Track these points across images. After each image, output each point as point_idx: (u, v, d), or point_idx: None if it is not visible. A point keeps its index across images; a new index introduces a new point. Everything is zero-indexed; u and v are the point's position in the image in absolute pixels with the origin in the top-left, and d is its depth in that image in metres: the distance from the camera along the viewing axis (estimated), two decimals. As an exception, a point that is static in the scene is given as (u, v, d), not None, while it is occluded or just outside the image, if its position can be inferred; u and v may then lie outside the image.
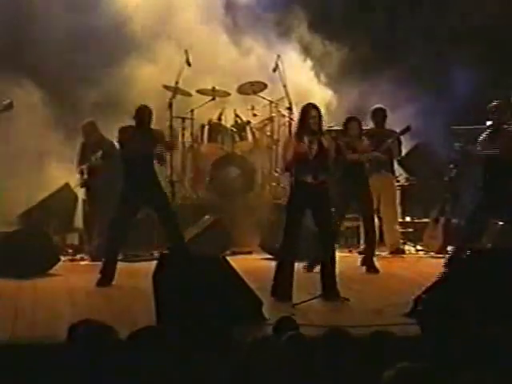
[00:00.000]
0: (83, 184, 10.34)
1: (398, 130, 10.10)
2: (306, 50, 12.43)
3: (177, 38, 11.87)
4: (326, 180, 7.62)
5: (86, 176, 10.22)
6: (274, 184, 11.58)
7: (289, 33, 12.38)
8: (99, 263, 9.97)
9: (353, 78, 12.06)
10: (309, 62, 12.44)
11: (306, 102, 7.85)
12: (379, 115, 10.33)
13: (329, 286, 7.54)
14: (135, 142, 8.44)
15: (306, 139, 7.57)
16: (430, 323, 5.96)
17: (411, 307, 6.72)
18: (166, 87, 11.27)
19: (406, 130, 9.84)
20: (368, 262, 9.20)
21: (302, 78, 12.17)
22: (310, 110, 7.61)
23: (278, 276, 7.60)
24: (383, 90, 11.47)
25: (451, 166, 10.36)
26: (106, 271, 8.55)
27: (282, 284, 7.54)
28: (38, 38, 11.32)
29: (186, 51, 11.25)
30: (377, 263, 9.35)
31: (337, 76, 12.33)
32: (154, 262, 6.95)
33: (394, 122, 10.48)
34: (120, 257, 10.01)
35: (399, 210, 10.89)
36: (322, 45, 12.37)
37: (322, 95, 12.00)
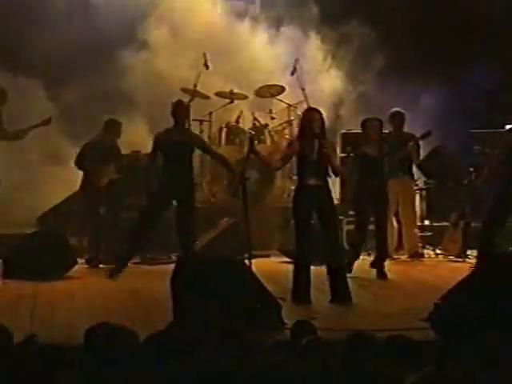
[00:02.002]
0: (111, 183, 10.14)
1: (415, 134, 10.04)
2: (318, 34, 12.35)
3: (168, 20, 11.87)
4: (327, 181, 7.71)
5: (116, 175, 10.10)
6: (293, 187, 11.51)
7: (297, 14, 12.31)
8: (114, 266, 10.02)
9: (368, 71, 12.01)
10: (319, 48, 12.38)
11: (308, 107, 7.94)
12: (398, 119, 10.25)
13: (339, 289, 7.52)
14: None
15: (307, 143, 7.61)
16: (446, 328, 5.91)
17: (431, 311, 6.65)
18: (184, 90, 11.26)
19: (427, 134, 9.75)
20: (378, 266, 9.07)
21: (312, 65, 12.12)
22: (312, 114, 7.73)
23: (296, 280, 7.58)
24: (397, 86, 11.43)
25: (471, 169, 10.28)
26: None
27: (299, 288, 7.52)
28: (34, 32, 11.31)
29: (205, 54, 11.24)
30: (395, 267, 9.27)
31: (349, 65, 12.25)
32: (172, 265, 6.93)
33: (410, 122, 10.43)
34: (138, 259, 10.04)
35: (418, 213, 10.81)
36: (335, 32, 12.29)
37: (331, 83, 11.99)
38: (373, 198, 9.02)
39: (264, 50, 12.14)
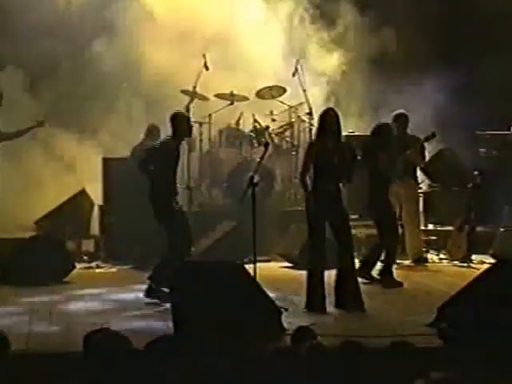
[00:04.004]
0: None
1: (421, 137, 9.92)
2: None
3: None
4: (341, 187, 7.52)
5: None
6: (294, 190, 11.41)
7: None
8: (114, 270, 9.93)
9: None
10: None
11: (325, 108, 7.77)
12: (401, 120, 10.11)
13: (355, 297, 7.36)
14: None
15: (329, 144, 7.43)
16: (452, 334, 5.83)
17: (434, 317, 6.55)
18: (184, 91, 11.15)
19: (431, 136, 9.62)
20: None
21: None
22: (328, 111, 7.56)
23: (311, 287, 7.40)
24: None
25: (476, 172, 10.15)
26: None
27: (314, 295, 7.36)
28: (10, 25, 11.17)
29: (204, 55, 11.12)
30: (399, 272, 9.14)
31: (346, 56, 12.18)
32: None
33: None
34: (135, 264, 9.94)
35: (422, 217, 10.69)
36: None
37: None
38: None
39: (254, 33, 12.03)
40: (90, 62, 11.48)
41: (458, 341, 5.74)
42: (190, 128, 8.35)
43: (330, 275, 7.57)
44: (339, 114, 7.59)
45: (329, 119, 7.46)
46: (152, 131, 10.56)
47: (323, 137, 7.49)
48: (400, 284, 8.68)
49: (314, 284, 7.36)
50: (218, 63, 11.33)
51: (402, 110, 10.14)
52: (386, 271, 8.78)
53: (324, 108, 7.81)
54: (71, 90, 11.39)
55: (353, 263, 7.55)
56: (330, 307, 7.37)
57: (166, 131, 9.85)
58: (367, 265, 8.80)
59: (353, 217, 9.68)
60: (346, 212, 7.61)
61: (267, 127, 11.36)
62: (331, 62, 12.14)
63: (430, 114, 11.22)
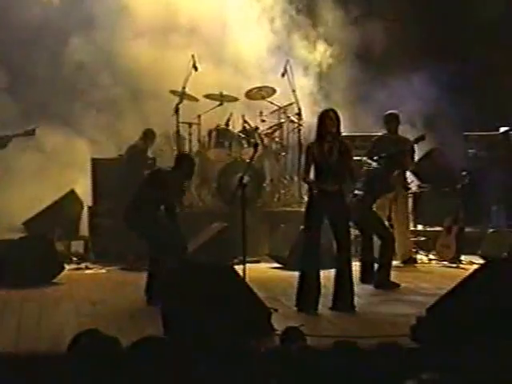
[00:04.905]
0: None
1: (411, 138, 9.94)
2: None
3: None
4: (343, 187, 7.42)
5: None
6: (283, 191, 11.40)
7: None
8: (103, 271, 9.90)
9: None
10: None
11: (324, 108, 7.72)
12: (392, 121, 10.10)
13: (345, 297, 7.37)
14: None
15: (325, 145, 7.41)
16: (433, 336, 5.84)
17: (424, 317, 6.54)
18: (173, 92, 11.13)
19: (421, 138, 9.63)
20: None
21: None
22: (327, 112, 7.48)
23: (303, 287, 7.37)
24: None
25: (465, 172, 10.17)
26: None
27: (307, 295, 7.34)
28: None
29: (193, 56, 11.10)
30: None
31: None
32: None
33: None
34: (125, 266, 9.93)
35: (411, 218, 10.70)
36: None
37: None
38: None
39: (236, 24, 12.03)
40: (68, 56, 11.42)
41: (435, 342, 5.74)
42: (193, 170, 8.35)
43: (325, 276, 7.58)
44: (337, 112, 7.49)
45: (327, 120, 7.40)
46: (147, 135, 10.60)
47: (321, 138, 7.47)
48: (397, 285, 8.67)
49: (306, 285, 7.35)
50: (202, 58, 11.28)
51: (393, 110, 10.15)
52: (382, 272, 8.76)
53: (324, 109, 7.70)
54: (52, 88, 11.32)
55: (349, 264, 7.52)
56: (322, 308, 7.38)
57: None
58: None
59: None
60: (347, 213, 7.53)
61: (257, 128, 11.36)
62: (318, 56, 12.14)
63: (419, 110, 11.23)
